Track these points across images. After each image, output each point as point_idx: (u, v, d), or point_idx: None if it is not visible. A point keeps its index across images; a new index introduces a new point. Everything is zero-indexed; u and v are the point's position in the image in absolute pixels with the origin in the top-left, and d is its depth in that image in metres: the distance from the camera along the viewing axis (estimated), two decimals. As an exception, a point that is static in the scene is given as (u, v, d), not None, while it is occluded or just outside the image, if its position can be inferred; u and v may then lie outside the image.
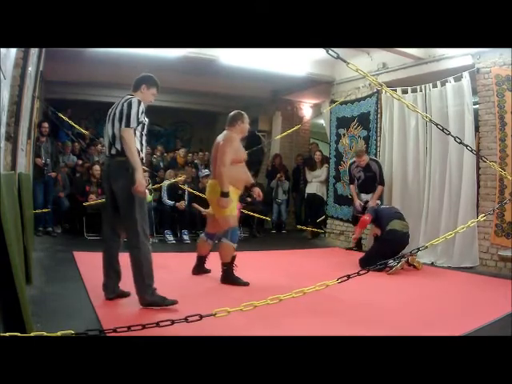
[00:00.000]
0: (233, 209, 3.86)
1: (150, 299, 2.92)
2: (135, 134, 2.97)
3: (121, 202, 3.02)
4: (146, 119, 3.08)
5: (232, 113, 4.06)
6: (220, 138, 3.96)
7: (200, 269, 4.15)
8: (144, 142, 3.11)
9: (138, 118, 2.96)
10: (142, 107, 3.02)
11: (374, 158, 5.98)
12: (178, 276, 4.04)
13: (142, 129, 3.06)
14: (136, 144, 2.97)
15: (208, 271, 4.17)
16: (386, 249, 4.65)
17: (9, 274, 1.88)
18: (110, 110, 3.10)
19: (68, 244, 5.46)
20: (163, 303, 2.93)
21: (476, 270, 4.90)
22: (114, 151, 3.01)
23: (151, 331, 2.07)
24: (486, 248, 4.93)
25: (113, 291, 3.16)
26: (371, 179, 5.71)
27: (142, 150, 3.06)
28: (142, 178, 2.94)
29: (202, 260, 4.17)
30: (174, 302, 2.95)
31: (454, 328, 2.74)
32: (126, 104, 2.99)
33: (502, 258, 4.75)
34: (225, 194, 3.73)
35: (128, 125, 2.92)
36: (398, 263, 4.49)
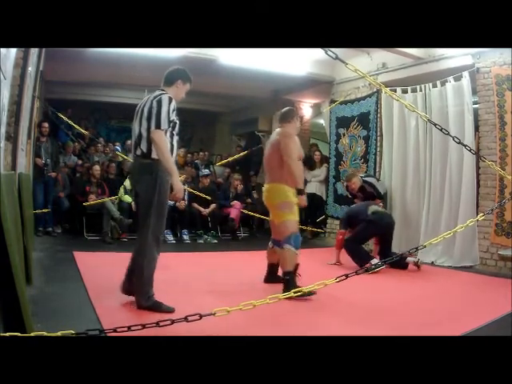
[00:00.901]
0: (295, 212, 3.60)
1: (146, 304, 2.84)
2: (165, 134, 2.77)
3: (140, 204, 2.93)
4: (177, 118, 2.87)
5: (285, 109, 3.86)
6: (277, 136, 3.68)
7: (272, 278, 3.83)
8: (175, 143, 2.89)
9: (169, 118, 2.75)
10: (174, 105, 2.81)
11: (365, 178, 5.63)
12: (178, 276, 4.04)
13: (173, 128, 2.85)
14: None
15: (280, 279, 3.65)
16: (373, 229, 4.72)
17: (9, 274, 1.88)
18: (138, 107, 2.90)
19: (68, 244, 5.46)
20: (159, 309, 2.81)
21: (476, 270, 4.90)
22: (139, 152, 2.84)
23: (151, 331, 2.07)
24: (486, 247, 4.93)
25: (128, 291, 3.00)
26: (370, 196, 5.48)
27: (172, 152, 2.85)
28: (179, 183, 2.78)
29: (273, 268, 3.84)
30: (171, 309, 2.81)
31: (454, 328, 2.74)
32: (155, 102, 2.76)
33: (502, 258, 4.75)
34: (302, 191, 3.57)
35: (158, 126, 2.71)
36: (383, 264, 4.12)
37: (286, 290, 3.23)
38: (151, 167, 2.76)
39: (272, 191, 3.63)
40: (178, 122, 2.87)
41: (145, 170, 2.80)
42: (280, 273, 3.69)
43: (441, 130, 3.22)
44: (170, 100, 2.79)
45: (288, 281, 3.44)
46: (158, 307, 2.83)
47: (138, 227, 2.98)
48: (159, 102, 2.75)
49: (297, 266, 3.55)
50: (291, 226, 3.57)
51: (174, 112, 2.81)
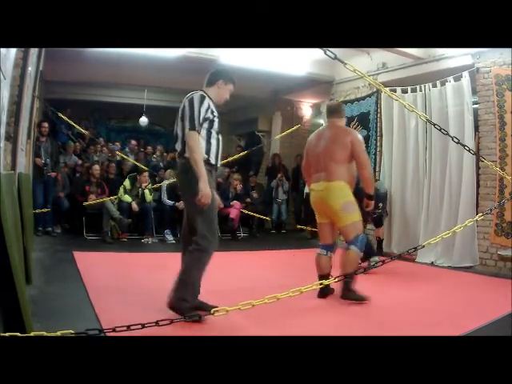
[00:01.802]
0: (359, 213, 3.41)
1: (176, 305, 2.65)
2: (201, 132, 2.70)
3: (185, 205, 2.93)
4: (216, 114, 2.78)
5: (336, 103, 3.85)
6: (338, 130, 3.47)
7: (327, 290, 3.39)
8: (214, 141, 2.78)
9: (200, 118, 2.68)
10: (207, 102, 2.73)
11: None
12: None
13: (210, 126, 2.75)
14: (202, 144, 2.70)
15: (333, 290, 3.46)
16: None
17: (9, 274, 1.88)
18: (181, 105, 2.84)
19: (68, 244, 5.46)
20: (183, 313, 2.54)
21: (476, 270, 4.90)
22: (178, 150, 2.82)
23: (150, 331, 2.07)
24: (486, 247, 4.93)
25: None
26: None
27: (210, 150, 2.75)
28: (206, 188, 2.61)
29: (326, 279, 3.23)
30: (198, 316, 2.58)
31: (454, 328, 2.74)
32: (187, 102, 2.74)
33: (501, 258, 4.75)
34: (372, 197, 3.42)
35: (192, 127, 2.66)
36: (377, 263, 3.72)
37: (347, 292, 3.22)
38: (186, 166, 2.71)
39: (335, 189, 3.31)
40: (216, 119, 2.77)
41: (181, 170, 2.78)
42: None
43: (440, 131, 3.23)
44: (202, 98, 2.72)
45: (349, 283, 3.25)
46: (183, 311, 2.57)
47: (190, 229, 2.82)
48: (190, 102, 2.72)
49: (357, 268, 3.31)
50: (359, 227, 3.38)
51: (209, 110, 2.73)
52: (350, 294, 3.26)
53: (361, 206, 3.48)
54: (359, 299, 3.25)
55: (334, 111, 3.60)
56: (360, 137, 3.45)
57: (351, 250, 3.33)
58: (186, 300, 2.65)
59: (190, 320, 2.42)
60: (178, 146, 2.78)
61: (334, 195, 3.30)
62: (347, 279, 3.18)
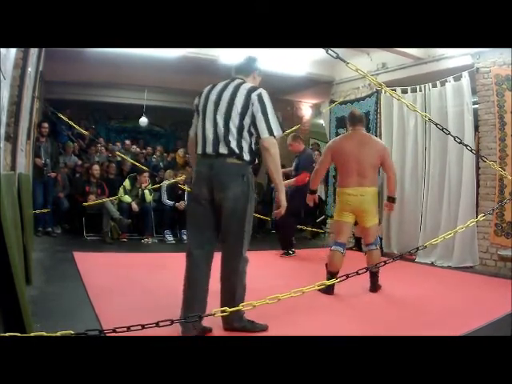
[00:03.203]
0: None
1: (239, 325, 2.49)
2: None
3: (225, 212, 2.47)
4: None
5: (359, 112, 4.10)
6: (372, 140, 3.84)
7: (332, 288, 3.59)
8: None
9: (277, 121, 2.48)
10: None
11: None
12: (177, 276, 4.04)
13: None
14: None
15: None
16: None
17: (9, 274, 1.88)
18: (215, 94, 2.52)
19: (68, 244, 5.46)
20: (253, 329, 2.50)
21: (476, 270, 4.90)
22: (224, 150, 2.44)
23: (150, 331, 2.07)
24: (486, 248, 4.93)
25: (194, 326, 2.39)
26: None
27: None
28: (285, 200, 2.54)
29: (336, 276, 3.44)
30: (264, 328, 2.55)
31: (454, 328, 2.74)
32: (255, 96, 2.41)
33: (501, 258, 4.75)
34: (395, 200, 3.92)
35: (272, 132, 2.41)
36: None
37: (375, 286, 3.71)
38: (243, 170, 2.40)
39: (372, 196, 3.68)
40: None
41: (234, 173, 2.39)
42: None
43: (442, 130, 3.22)
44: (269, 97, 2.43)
45: (377, 278, 3.73)
46: (251, 328, 2.52)
47: (222, 245, 2.50)
48: (261, 100, 2.38)
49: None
50: (379, 229, 3.96)
51: None
52: (378, 287, 3.75)
53: None
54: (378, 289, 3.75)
55: (359, 120, 3.84)
56: (384, 145, 3.91)
57: (374, 249, 3.72)
58: (242, 315, 2.50)
59: (191, 321, 2.41)
60: (234, 145, 2.37)
61: (372, 200, 3.69)
62: (377, 275, 3.70)
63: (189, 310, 2.38)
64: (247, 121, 2.38)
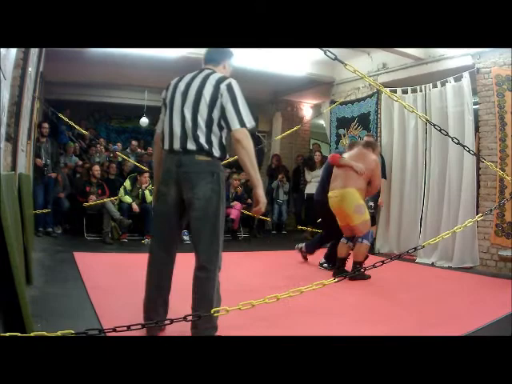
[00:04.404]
0: (368, 213, 4.31)
1: (206, 326, 2.29)
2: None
3: (197, 214, 2.30)
4: None
5: (373, 140, 4.94)
6: (370, 153, 4.39)
7: (342, 271, 4.12)
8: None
9: (248, 112, 2.30)
10: None
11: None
12: (177, 276, 4.04)
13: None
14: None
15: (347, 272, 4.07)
16: None
17: (9, 275, 1.88)
18: (182, 86, 2.38)
19: (68, 244, 5.46)
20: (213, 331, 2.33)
21: (476, 270, 4.90)
22: (192, 146, 2.28)
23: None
24: (486, 248, 4.92)
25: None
26: None
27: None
28: (264, 196, 2.30)
29: (343, 262, 4.32)
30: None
31: (454, 328, 2.74)
32: (224, 87, 2.23)
33: (502, 258, 4.75)
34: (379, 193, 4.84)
35: (243, 124, 2.22)
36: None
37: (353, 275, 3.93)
38: (213, 167, 2.25)
39: (351, 195, 4.19)
40: None
41: (204, 170, 2.23)
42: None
43: (440, 131, 3.22)
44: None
45: (357, 269, 3.96)
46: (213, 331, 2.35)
47: (194, 244, 2.34)
48: (231, 90, 2.21)
49: (366, 257, 4.31)
50: (369, 224, 4.30)
51: None
52: (359, 276, 4.03)
53: None
54: (366, 278, 4.13)
55: (369, 145, 4.51)
56: (376, 163, 4.41)
57: (363, 242, 4.19)
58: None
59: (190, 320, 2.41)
60: (203, 140, 2.22)
61: (351, 199, 4.24)
62: (358, 266, 4.10)
63: (154, 311, 2.32)
64: (216, 113, 2.22)
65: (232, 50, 2.51)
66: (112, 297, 3.22)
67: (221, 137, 2.28)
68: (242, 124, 2.20)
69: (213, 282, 2.28)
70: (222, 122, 2.24)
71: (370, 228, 4.29)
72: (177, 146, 2.25)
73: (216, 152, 2.25)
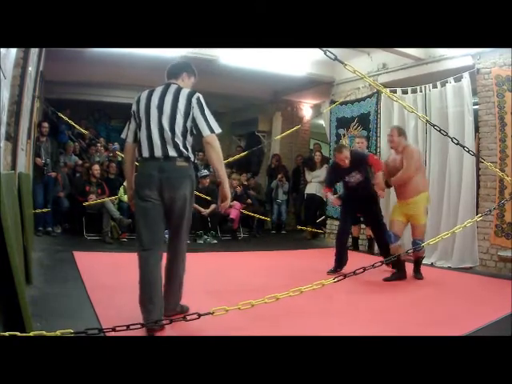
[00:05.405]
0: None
1: (178, 310, 2.74)
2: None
3: (175, 212, 2.65)
4: None
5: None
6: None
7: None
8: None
9: (213, 119, 2.68)
10: None
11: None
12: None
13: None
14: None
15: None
16: None
17: (9, 274, 1.88)
18: (156, 101, 2.63)
19: (68, 244, 5.46)
20: (183, 311, 2.73)
21: (476, 271, 4.89)
22: (173, 153, 2.59)
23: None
24: (486, 248, 4.92)
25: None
26: None
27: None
28: (229, 191, 2.70)
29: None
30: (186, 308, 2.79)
31: (454, 328, 2.74)
32: (194, 100, 2.57)
33: (501, 259, 4.75)
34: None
35: (212, 130, 2.58)
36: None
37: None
38: (190, 170, 2.61)
39: (427, 198, 4.39)
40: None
41: (183, 175, 2.57)
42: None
43: (439, 132, 3.23)
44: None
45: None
46: (182, 311, 2.75)
47: (172, 237, 2.75)
48: (200, 103, 2.57)
49: None
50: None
51: None
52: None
53: None
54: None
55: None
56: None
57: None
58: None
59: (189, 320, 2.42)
60: (181, 147, 2.53)
61: (426, 201, 4.46)
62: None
63: (151, 310, 2.47)
64: (189, 123, 2.56)
65: (189, 62, 2.90)
66: (111, 296, 3.22)
67: (192, 143, 2.64)
68: (212, 130, 2.56)
69: (183, 269, 2.76)
70: (194, 130, 2.58)
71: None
72: (158, 153, 2.53)
73: (191, 156, 2.61)
